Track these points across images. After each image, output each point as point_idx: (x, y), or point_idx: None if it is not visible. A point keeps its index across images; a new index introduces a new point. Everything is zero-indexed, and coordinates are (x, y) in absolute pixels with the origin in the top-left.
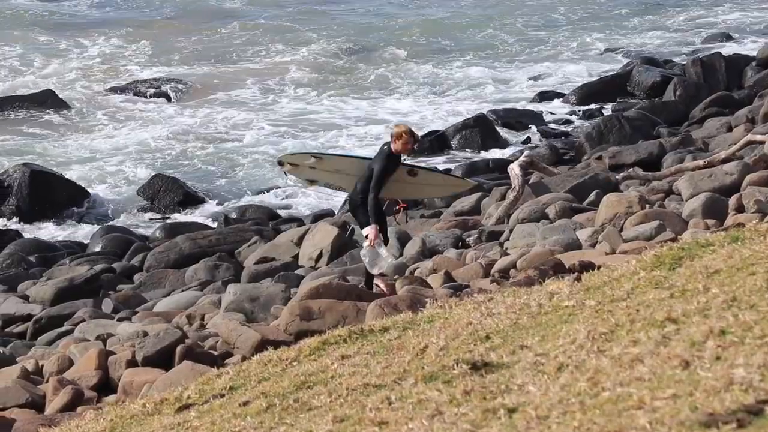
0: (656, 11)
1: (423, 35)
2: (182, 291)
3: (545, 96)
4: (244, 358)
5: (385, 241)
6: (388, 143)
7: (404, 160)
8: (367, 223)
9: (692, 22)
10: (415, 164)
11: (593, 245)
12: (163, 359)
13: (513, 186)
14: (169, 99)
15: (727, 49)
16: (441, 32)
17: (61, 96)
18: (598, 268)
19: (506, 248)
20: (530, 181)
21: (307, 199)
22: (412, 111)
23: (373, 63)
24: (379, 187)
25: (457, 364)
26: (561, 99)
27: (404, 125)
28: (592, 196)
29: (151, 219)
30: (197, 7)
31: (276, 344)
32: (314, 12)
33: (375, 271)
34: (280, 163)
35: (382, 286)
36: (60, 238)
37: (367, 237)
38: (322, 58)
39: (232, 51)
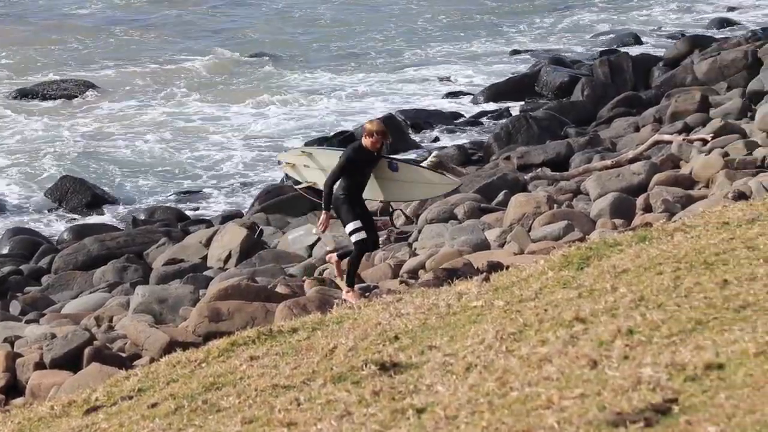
0: (564, 12)
1: (330, 38)
2: (90, 293)
3: (454, 96)
4: (152, 360)
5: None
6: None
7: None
8: (348, 220)
9: (600, 24)
10: (396, 157)
11: (502, 245)
12: (71, 361)
13: None
14: (74, 100)
15: (635, 49)
16: (350, 35)
17: None
18: (507, 268)
19: (415, 249)
20: None
21: (216, 200)
22: (328, 112)
23: (284, 66)
24: (335, 177)
25: (365, 365)
26: (469, 99)
27: (378, 123)
28: (500, 197)
29: (60, 220)
30: (103, 7)
31: (184, 346)
32: (227, 13)
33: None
34: (279, 163)
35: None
36: None
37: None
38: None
39: (140, 52)
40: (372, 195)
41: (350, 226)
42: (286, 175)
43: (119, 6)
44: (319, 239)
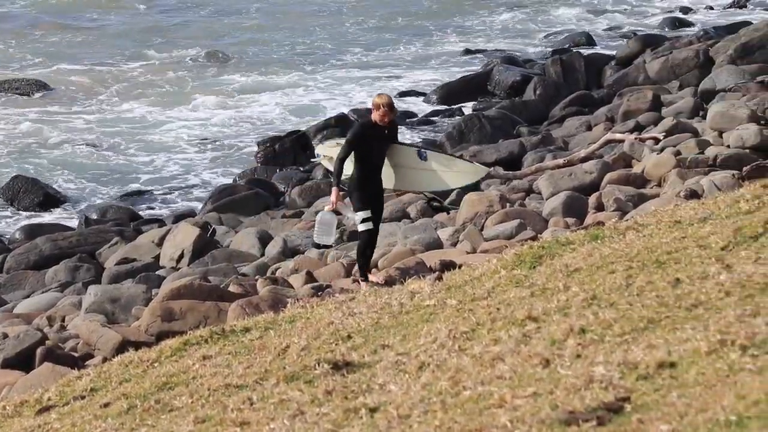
0: (516, 11)
1: (275, 39)
2: (42, 292)
3: (406, 96)
4: (105, 360)
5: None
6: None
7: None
8: (358, 207)
9: (554, 25)
10: (423, 146)
11: (454, 244)
12: (23, 361)
13: None
14: (29, 98)
15: (588, 49)
16: (295, 35)
17: None
18: (459, 267)
19: None
20: None
21: (168, 200)
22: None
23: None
24: (345, 153)
25: (318, 364)
26: (422, 99)
27: (385, 96)
28: (453, 195)
29: (11, 220)
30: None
31: (137, 345)
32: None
33: (320, 242)
34: (317, 155)
35: (377, 279)
36: None
37: (333, 206)
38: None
39: (98, 53)
40: (401, 185)
41: (360, 215)
42: (328, 172)
43: (55, 6)
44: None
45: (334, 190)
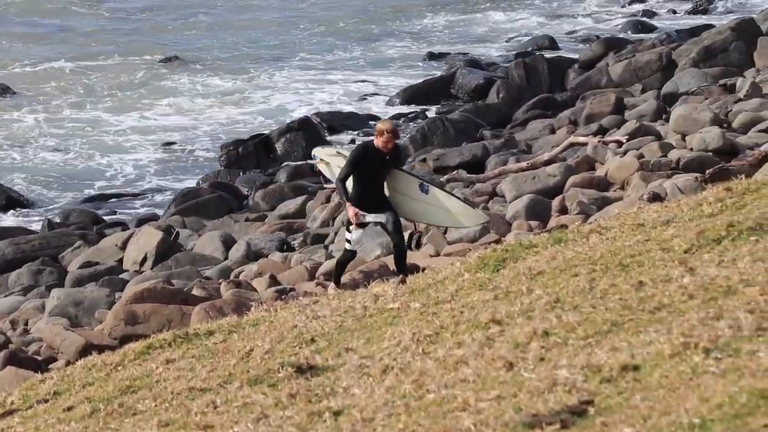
0: (477, 14)
1: (239, 41)
2: (5, 296)
3: (369, 99)
4: (68, 363)
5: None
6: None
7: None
8: (350, 228)
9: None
10: (428, 179)
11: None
12: None
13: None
14: None
15: (551, 53)
16: (256, 37)
17: None
18: (423, 270)
19: (331, 251)
20: None
21: (131, 203)
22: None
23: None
24: (345, 174)
25: (282, 368)
26: (385, 102)
27: (389, 122)
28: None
29: None
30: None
31: (101, 349)
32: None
33: (357, 248)
34: (313, 157)
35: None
36: None
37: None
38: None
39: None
40: (400, 212)
41: (349, 235)
42: (320, 173)
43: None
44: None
45: (348, 207)
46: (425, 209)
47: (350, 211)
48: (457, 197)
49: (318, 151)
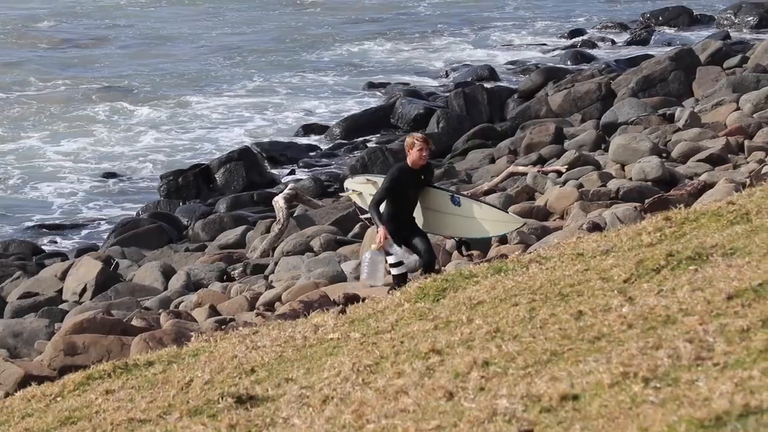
0: (415, 44)
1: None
2: None
3: (310, 129)
4: (7, 394)
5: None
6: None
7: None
8: (391, 250)
9: (455, 58)
10: (460, 192)
11: (358, 278)
12: None
13: (278, 219)
14: None
15: (490, 83)
16: (196, 65)
17: None
18: (363, 300)
19: (271, 281)
20: (295, 214)
21: (70, 234)
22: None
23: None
24: (380, 198)
25: (222, 398)
26: (325, 132)
27: (418, 133)
28: (356, 229)
29: None
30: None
31: (40, 380)
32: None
33: (368, 283)
34: (346, 189)
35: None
36: None
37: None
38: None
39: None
40: (429, 228)
41: (392, 258)
42: (354, 205)
43: None
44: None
45: (381, 229)
46: (461, 222)
47: (381, 234)
48: (490, 204)
49: (349, 183)
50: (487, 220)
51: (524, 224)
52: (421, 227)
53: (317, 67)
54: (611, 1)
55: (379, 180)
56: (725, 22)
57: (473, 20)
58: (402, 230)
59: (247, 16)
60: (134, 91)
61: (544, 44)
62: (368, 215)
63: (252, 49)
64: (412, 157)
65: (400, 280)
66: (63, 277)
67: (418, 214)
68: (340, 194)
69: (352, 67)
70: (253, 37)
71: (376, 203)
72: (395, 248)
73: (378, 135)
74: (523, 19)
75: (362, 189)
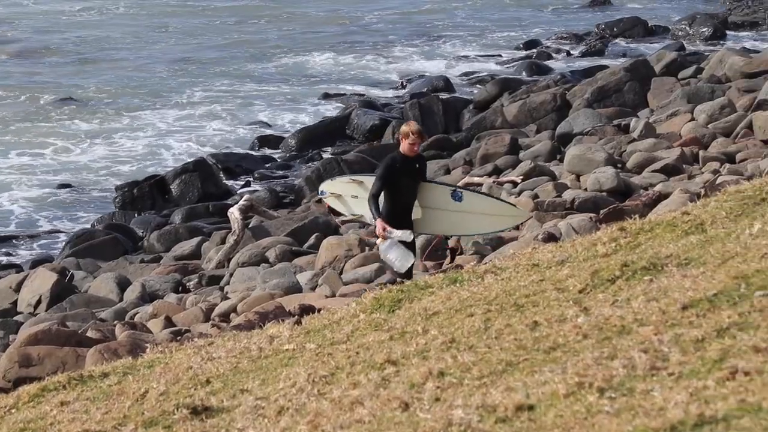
0: (372, 55)
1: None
2: None
3: (265, 140)
4: None
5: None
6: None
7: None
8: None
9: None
10: (459, 185)
11: (313, 288)
12: None
13: (233, 230)
14: None
15: (446, 94)
16: (149, 76)
17: None
18: (319, 311)
19: (227, 292)
20: (250, 225)
21: (25, 246)
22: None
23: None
24: (377, 189)
25: (177, 409)
26: (281, 143)
27: (413, 122)
28: (312, 240)
29: None
30: None
31: None
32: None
33: (404, 267)
34: (322, 193)
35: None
36: None
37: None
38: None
39: None
40: (430, 229)
41: (399, 233)
42: (329, 207)
43: None
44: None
45: (378, 221)
46: (463, 219)
47: (379, 225)
48: (492, 196)
49: (326, 185)
50: (492, 214)
51: (530, 217)
52: (421, 229)
53: (269, 79)
54: (565, 13)
55: (365, 179)
56: (680, 33)
57: (425, 32)
58: (399, 225)
59: (191, 27)
60: (84, 102)
61: (500, 55)
62: (345, 218)
63: (200, 59)
64: (404, 147)
65: (405, 276)
66: (18, 288)
67: (417, 216)
68: (317, 199)
69: (305, 78)
70: (199, 48)
71: (373, 195)
72: (395, 232)
73: (333, 146)
74: (476, 30)
75: (343, 191)
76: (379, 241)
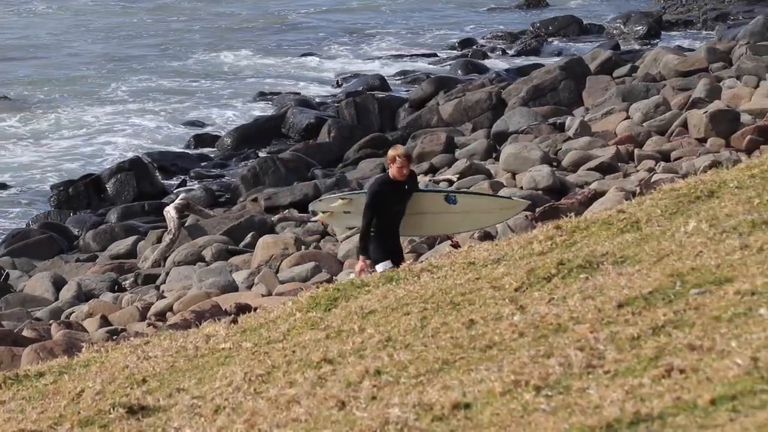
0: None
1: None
2: None
3: (201, 139)
4: None
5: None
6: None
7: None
8: (378, 260)
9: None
10: (451, 189)
11: (250, 287)
12: None
13: (169, 229)
14: None
15: (381, 93)
16: (80, 73)
17: None
18: (255, 309)
19: (163, 291)
20: (186, 224)
21: None
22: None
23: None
24: (368, 219)
25: (113, 408)
26: (216, 142)
27: (399, 146)
28: (248, 238)
29: None
30: None
31: None
32: None
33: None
34: (314, 213)
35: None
36: None
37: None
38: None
39: None
40: (430, 231)
41: (380, 266)
42: (328, 227)
43: None
44: None
45: (360, 263)
46: (460, 219)
47: (360, 265)
48: (484, 194)
49: (317, 205)
50: (490, 211)
51: (530, 204)
52: (419, 234)
53: (202, 77)
54: (500, 12)
55: (355, 197)
56: (614, 31)
57: (358, 30)
58: (387, 243)
59: (115, 25)
60: (13, 101)
61: (435, 54)
62: (351, 226)
63: (129, 56)
64: (393, 170)
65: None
66: None
67: (414, 224)
68: (312, 219)
69: (237, 77)
70: (127, 45)
71: (365, 225)
72: (376, 272)
73: (269, 145)
74: (411, 29)
75: (333, 208)
76: (352, 276)
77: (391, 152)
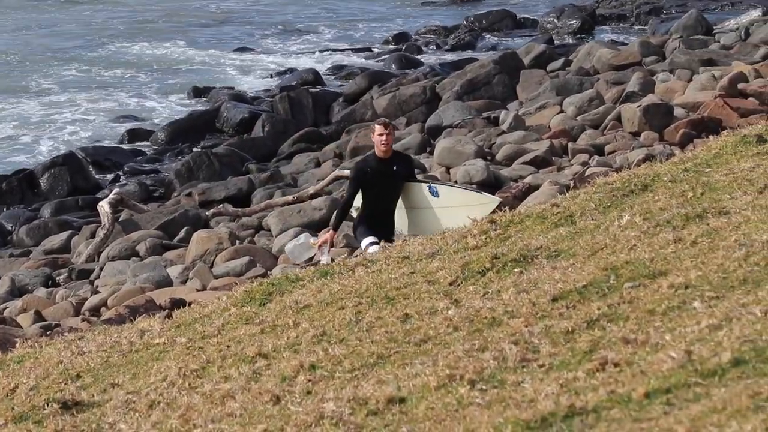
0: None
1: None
2: None
3: (134, 134)
4: None
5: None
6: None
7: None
8: (363, 238)
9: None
10: (433, 181)
11: (184, 282)
12: None
13: (103, 224)
14: None
15: (315, 87)
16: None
17: None
18: (189, 304)
19: (97, 286)
20: (120, 219)
21: None
22: None
23: None
24: (350, 194)
25: (47, 404)
26: (150, 136)
27: (381, 118)
28: (182, 233)
29: None
30: None
31: None
32: None
33: (290, 257)
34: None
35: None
36: None
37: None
38: None
39: None
40: (417, 230)
41: (365, 241)
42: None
43: None
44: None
45: (328, 234)
46: (443, 215)
47: (323, 237)
48: (461, 187)
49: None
50: (467, 206)
51: (500, 202)
52: (407, 233)
53: (133, 71)
54: (434, 6)
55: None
56: (548, 25)
57: (291, 24)
58: (374, 227)
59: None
60: None
61: (369, 49)
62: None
63: (56, 49)
64: (375, 144)
65: None
66: None
67: (403, 222)
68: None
69: (169, 71)
70: (53, 38)
71: (346, 200)
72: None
73: (203, 139)
74: (345, 23)
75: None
76: (312, 240)
77: (373, 125)
